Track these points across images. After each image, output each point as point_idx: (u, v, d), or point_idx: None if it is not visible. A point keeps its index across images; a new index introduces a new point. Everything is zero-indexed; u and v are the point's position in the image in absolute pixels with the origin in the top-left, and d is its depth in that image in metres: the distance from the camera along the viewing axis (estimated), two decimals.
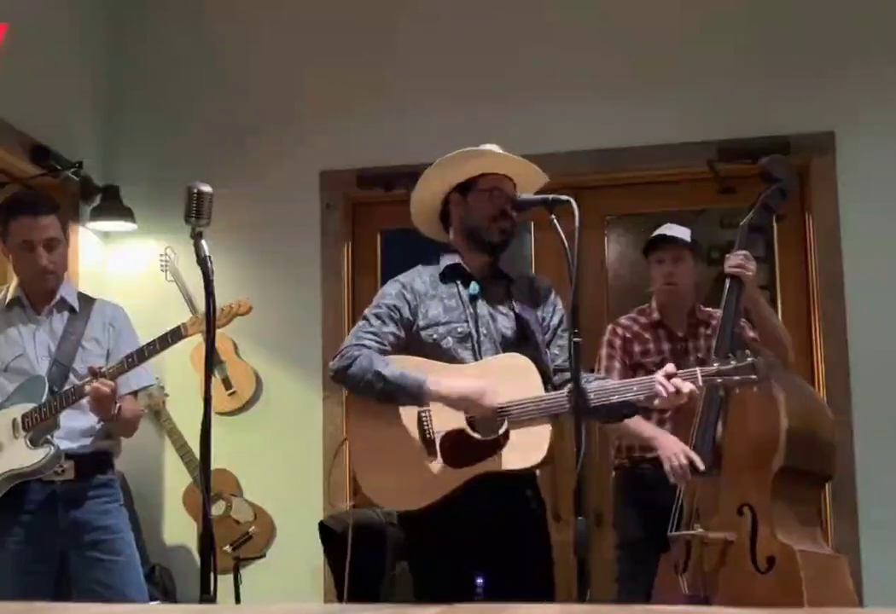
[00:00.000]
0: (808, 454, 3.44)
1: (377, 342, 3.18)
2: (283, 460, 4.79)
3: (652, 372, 3.78)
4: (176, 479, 4.81)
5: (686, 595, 3.38)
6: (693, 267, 3.98)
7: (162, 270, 4.86)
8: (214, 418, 2.67)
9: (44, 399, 3.37)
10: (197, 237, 2.77)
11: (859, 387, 4.41)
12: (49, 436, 3.37)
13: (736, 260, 3.61)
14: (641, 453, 3.81)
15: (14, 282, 3.58)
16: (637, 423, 3.68)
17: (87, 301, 3.62)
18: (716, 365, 3.07)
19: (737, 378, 3.06)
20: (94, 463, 3.48)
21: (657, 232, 3.98)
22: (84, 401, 3.40)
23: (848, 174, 4.50)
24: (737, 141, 4.53)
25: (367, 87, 4.90)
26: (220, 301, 2.84)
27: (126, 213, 4.86)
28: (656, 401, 3.05)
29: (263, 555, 4.67)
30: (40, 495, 3.40)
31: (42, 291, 3.54)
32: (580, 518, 2.74)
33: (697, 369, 3.08)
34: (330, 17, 4.99)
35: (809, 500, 3.51)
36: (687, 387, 3.01)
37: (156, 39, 5.12)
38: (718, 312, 3.81)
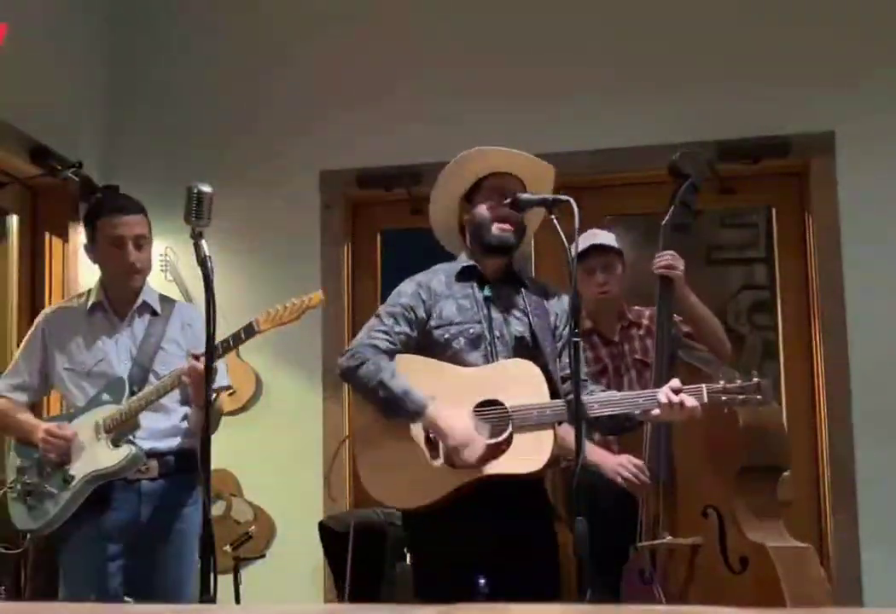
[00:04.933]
0: (766, 449, 3.45)
1: (388, 342, 3.18)
2: (283, 460, 4.79)
3: (593, 380, 3.76)
4: None
5: (664, 603, 3.37)
6: (622, 272, 3.95)
7: (162, 270, 4.86)
8: None
9: (125, 400, 3.41)
10: (197, 237, 2.77)
11: (859, 387, 4.41)
12: (131, 437, 3.41)
13: (664, 260, 3.58)
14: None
15: (96, 285, 3.60)
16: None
17: (167, 302, 3.64)
18: (722, 382, 3.07)
19: (741, 397, 3.06)
20: (177, 462, 3.49)
21: (585, 241, 3.86)
22: (165, 400, 3.43)
23: (848, 174, 4.50)
24: (737, 141, 4.53)
25: (367, 88, 4.90)
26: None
27: None
28: (655, 412, 3.05)
29: (263, 555, 4.67)
30: (125, 493, 3.43)
31: (126, 293, 3.55)
32: (580, 518, 2.75)
33: (703, 386, 3.06)
34: (331, 18, 4.99)
35: (769, 494, 3.49)
36: (691, 401, 3.02)
37: (156, 39, 5.12)
38: (647, 311, 3.86)
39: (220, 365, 3.36)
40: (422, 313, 3.22)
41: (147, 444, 3.42)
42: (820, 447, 4.51)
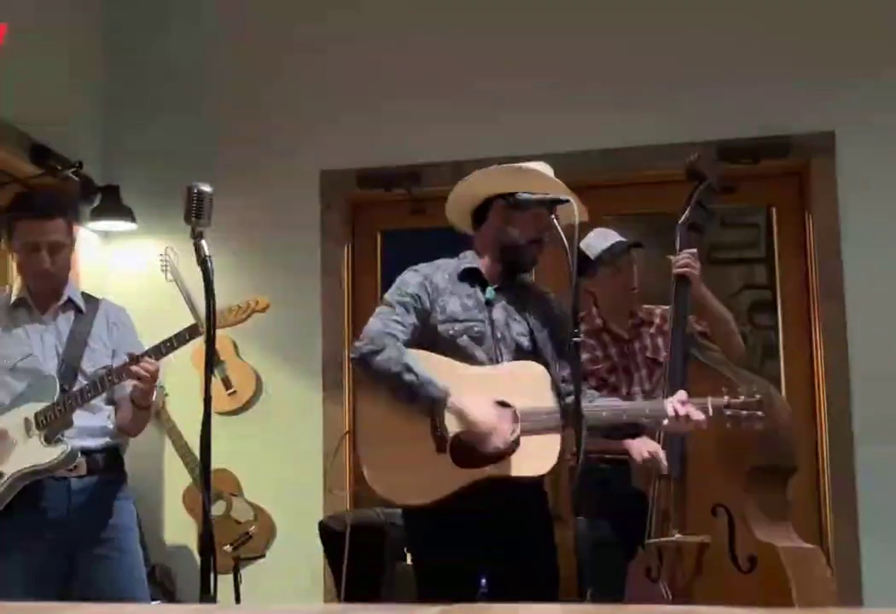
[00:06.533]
0: (777, 450, 3.47)
1: (402, 332, 3.18)
2: (283, 460, 4.79)
3: (603, 380, 3.77)
4: (176, 479, 4.81)
5: (670, 601, 3.37)
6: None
7: (162, 270, 4.82)
8: (214, 418, 2.67)
9: (56, 398, 3.38)
10: (197, 237, 2.77)
11: (859, 388, 4.41)
12: (61, 435, 3.38)
13: (682, 260, 3.59)
14: (599, 453, 3.65)
15: (19, 281, 3.58)
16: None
17: (91, 301, 3.62)
18: (726, 398, 3.11)
19: (744, 413, 3.11)
20: (104, 460, 3.49)
21: (603, 240, 3.88)
22: (96, 400, 3.41)
23: (848, 174, 4.50)
24: (737, 141, 4.53)
25: (367, 88, 4.90)
26: (226, 299, 2.84)
27: (126, 213, 4.86)
28: (665, 422, 3.11)
29: (263, 555, 4.67)
30: (55, 492, 3.40)
31: (45, 292, 3.54)
32: (580, 518, 2.75)
33: (709, 399, 3.11)
34: (330, 17, 4.99)
35: (779, 495, 3.50)
36: (697, 415, 3.07)
37: (156, 39, 5.13)
38: (658, 309, 3.88)
39: (161, 366, 3.38)
40: (427, 304, 3.23)
41: (78, 443, 3.40)
42: (820, 447, 4.51)
